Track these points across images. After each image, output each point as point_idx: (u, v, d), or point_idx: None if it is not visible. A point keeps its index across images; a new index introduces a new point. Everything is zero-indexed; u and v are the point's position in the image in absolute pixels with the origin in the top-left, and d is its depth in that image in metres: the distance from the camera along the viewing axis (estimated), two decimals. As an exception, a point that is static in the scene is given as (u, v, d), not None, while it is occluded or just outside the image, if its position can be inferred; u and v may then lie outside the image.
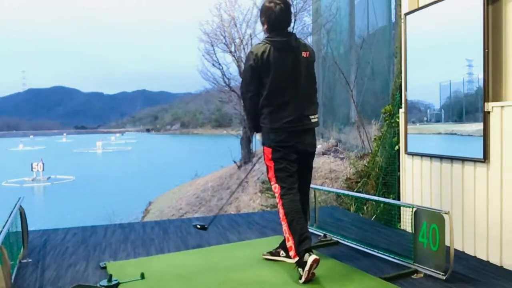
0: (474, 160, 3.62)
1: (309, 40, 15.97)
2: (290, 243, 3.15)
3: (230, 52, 18.26)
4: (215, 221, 5.17)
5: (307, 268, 3.01)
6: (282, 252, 3.52)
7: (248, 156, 18.00)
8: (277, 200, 3.31)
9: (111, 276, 3.11)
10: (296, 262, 3.10)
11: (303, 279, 3.04)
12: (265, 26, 3.43)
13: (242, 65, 17.71)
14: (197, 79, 20.72)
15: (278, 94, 3.34)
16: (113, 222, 10.16)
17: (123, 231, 4.70)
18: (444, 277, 3.08)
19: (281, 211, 3.23)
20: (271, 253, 3.58)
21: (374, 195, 5.39)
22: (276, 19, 3.37)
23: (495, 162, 3.44)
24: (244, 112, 3.42)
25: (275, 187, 3.35)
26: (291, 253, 3.13)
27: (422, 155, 4.31)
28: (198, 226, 4.16)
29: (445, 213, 3.07)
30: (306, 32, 15.91)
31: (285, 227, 3.19)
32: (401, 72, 4.77)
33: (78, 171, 29.89)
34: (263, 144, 3.44)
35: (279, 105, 3.34)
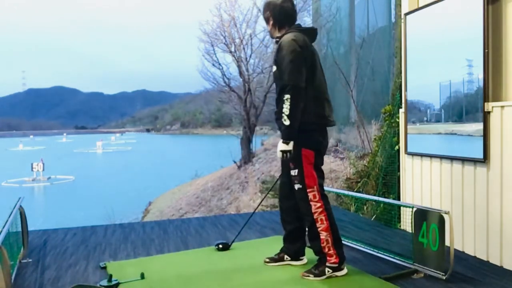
0: (474, 160, 3.62)
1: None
2: (331, 252, 3.13)
3: (230, 52, 18.29)
4: (215, 221, 5.18)
5: (335, 274, 3.13)
6: (286, 257, 3.44)
7: (248, 156, 18.01)
8: (318, 209, 3.11)
9: (111, 276, 3.11)
10: (335, 266, 3.13)
11: (325, 277, 3.11)
12: (272, 22, 3.22)
13: (242, 65, 17.84)
14: (197, 79, 20.78)
15: (321, 86, 3.16)
16: (113, 222, 10.16)
17: (123, 231, 4.70)
18: (444, 277, 3.08)
19: (326, 223, 3.12)
20: (274, 260, 3.44)
21: (374, 195, 5.38)
22: (294, 12, 3.24)
23: (495, 162, 3.44)
24: (290, 109, 2.95)
25: (315, 196, 3.11)
26: (333, 259, 3.13)
27: (422, 155, 4.31)
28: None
29: (445, 213, 3.07)
30: (306, 32, 15.90)
31: (327, 237, 3.12)
32: (401, 72, 4.77)
33: (78, 171, 29.88)
34: (302, 146, 3.08)
35: (323, 99, 3.15)
